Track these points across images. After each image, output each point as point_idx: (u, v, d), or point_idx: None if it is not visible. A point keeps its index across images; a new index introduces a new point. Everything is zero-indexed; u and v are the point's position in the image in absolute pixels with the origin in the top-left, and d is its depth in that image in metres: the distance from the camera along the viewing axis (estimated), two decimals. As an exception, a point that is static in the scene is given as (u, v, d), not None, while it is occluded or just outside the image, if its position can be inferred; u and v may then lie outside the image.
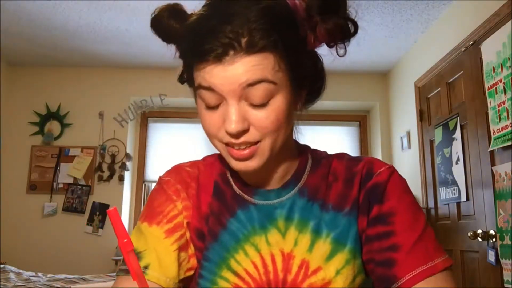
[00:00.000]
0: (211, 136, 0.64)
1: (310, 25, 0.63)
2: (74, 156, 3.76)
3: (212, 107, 0.61)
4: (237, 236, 0.69)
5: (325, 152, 0.76)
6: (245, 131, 0.60)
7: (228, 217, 0.70)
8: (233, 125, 0.59)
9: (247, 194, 0.71)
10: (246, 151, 0.61)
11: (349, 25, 0.64)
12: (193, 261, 0.70)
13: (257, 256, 0.67)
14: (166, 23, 0.65)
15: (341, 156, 0.74)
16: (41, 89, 3.86)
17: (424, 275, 0.60)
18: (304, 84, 0.67)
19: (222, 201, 0.72)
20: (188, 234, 0.71)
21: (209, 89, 0.59)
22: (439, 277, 0.61)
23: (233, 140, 0.61)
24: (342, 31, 0.64)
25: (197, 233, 0.71)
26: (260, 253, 0.67)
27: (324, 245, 0.66)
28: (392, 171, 0.68)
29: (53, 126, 3.79)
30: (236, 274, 0.67)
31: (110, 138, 3.80)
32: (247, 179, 0.71)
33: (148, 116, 4.05)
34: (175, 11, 0.65)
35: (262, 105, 0.59)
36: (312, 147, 0.77)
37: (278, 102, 0.60)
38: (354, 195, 0.68)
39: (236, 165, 0.63)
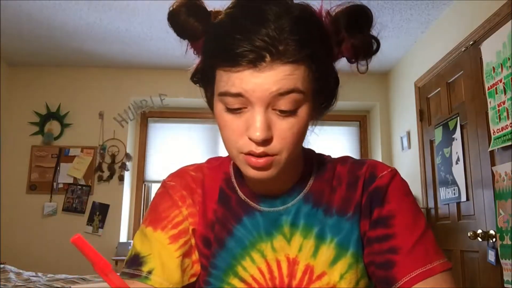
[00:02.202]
0: (230, 142, 0.61)
1: (336, 39, 0.64)
2: (74, 156, 3.76)
3: (234, 110, 0.59)
4: (244, 243, 0.69)
5: (329, 156, 0.76)
6: (268, 141, 0.59)
7: (234, 224, 0.70)
8: (258, 133, 0.57)
9: (253, 200, 0.71)
10: (263, 160, 0.60)
11: (373, 43, 0.65)
12: (197, 267, 0.70)
13: (263, 262, 0.67)
14: (184, 19, 0.63)
15: (345, 160, 0.74)
16: (41, 89, 3.86)
17: (423, 277, 0.61)
18: (324, 98, 0.67)
19: (227, 207, 0.72)
20: (193, 241, 0.71)
21: (238, 95, 0.57)
22: (438, 278, 0.61)
23: (254, 149, 0.59)
24: (367, 48, 0.64)
25: (203, 240, 0.71)
26: (266, 259, 0.68)
27: (328, 250, 0.66)
28: (394, 174, 0.69)
29: (53, 126, 3.79)
30: (243, 280, 0.67)
31: (110, 138, 3.80)
32: (255, 186, 0.71)
33: (148, 116, 4.05)
34: (195, 7, 0.63)
35: (287, 115, 0.59)
36: (311, 147, 0.77)
37: (303, 113, 0.60)
38: (357, 199, 0.68)
39: (252, 173, 0.62)
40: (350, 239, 0.67)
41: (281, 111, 0.58)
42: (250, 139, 0.59)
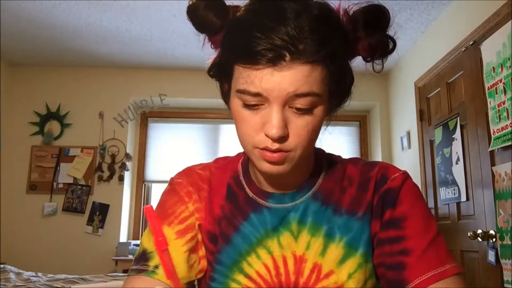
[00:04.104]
0: (246, 137, 0.62)
1: (353, 38, 0.64)
2: (74, 156, 3.76)
3: (251, 106, 0.60)
4: (250, 239, 0.69)
5: (339, 157, 0.76)
6: (284, 138, 0.60)
7: (241, 220, 0.70)
8: (275, 130, 0.58)
9: (261, 197, 0.71)
10: (277, 155, 0.61)
11: (389, 43, 0.65)
12: (204, 263, 0.71)
13: (269, 258, 0.68)
14: (202, 14, 0.64)
15: (356, 161, 0.74)
16: (41, 89, 3.86)
17: (435, 279, 0.61)
18: (339, 98, 0.67)
19: (235, 204, 0.72)
20: (199, 236, 0.71)
21: (257, 94, 0.58)
22: (450, 281, 0.61)
23: (270, 145, 0.60)
24: (384, 48, 0.65)
25: (209, 236, 0.71)
26: (272, 256, 0.68)
27: (336, 249, 0.66)
28: (406, 176, 0.69)
29: (53, 126, 3.79)
30: (248, 276, 0.67)
31: (110, 138, 3.80)
32: (267, 180, 0.71)
33: (148, 116, 4.05)
34: (213, 2, 0.64)
35: (304, 113, 0.60)
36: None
37: (318, 112, 0.61)
38: (368, 200, 0.68)
39: (266, 167, 0.63)
40: (360, 239, 0.67)
41: (298, 109, 0.59)
42: (266, 135, 0.59)
